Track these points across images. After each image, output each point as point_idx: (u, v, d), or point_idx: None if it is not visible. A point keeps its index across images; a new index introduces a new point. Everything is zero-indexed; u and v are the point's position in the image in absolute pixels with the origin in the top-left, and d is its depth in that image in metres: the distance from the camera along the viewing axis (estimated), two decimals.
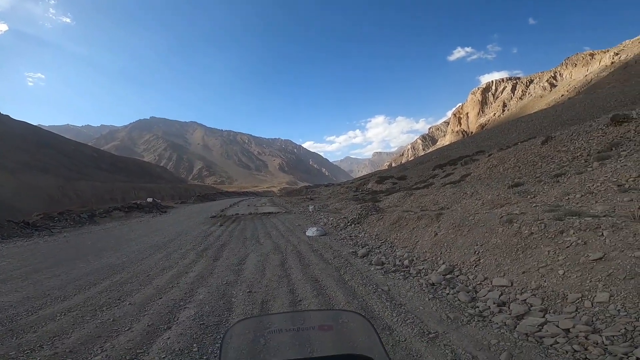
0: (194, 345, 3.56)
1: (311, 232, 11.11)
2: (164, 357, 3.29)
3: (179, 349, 3.47)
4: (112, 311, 4.68)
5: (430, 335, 3.43)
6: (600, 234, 4.21)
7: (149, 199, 36.08)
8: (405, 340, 3.40)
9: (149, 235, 13.16)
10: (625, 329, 2.86)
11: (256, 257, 7.99)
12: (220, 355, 0.80)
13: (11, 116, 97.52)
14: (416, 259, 6.66)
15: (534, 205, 6.96)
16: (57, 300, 5.20)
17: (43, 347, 3.52)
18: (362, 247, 8.25)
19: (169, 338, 3.77)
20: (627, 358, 2.61)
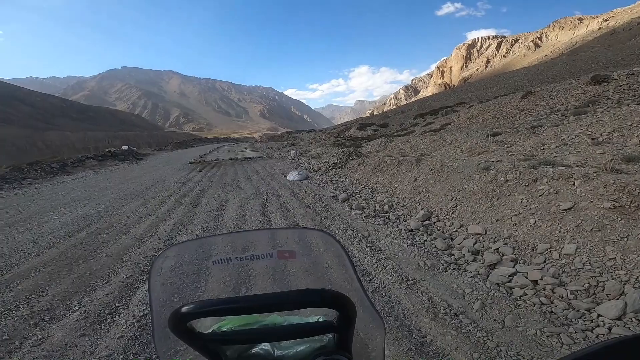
0: (175, 296, 3.56)
1: (292, 176, 11.09)
2: (143, 310, 3.28)
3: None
4: (89, 264, 4.60)
5: (409, 282, 3.53)
6: (572, 183, 4.26)
7: (124, 147, 34.85)
8: (384, 287, 3.50)
9: (125, 183, 12.83)
10: (589, 283, 2.96)
11: (237, 203, 7.96)
12: (149, 292, 0.65)
13: None
14: (396, 204, 6.76)
15: (510, 154, 7.05)
16: (31, 255, 5.05)
17: (19, 307, 3.43)
18: (343, 192, 8.29)
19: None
20: (589, 314, 2.70)
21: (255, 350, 0.67)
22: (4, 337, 2.86)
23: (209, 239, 0.74)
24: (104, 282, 4.00)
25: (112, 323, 3.08)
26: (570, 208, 3.89)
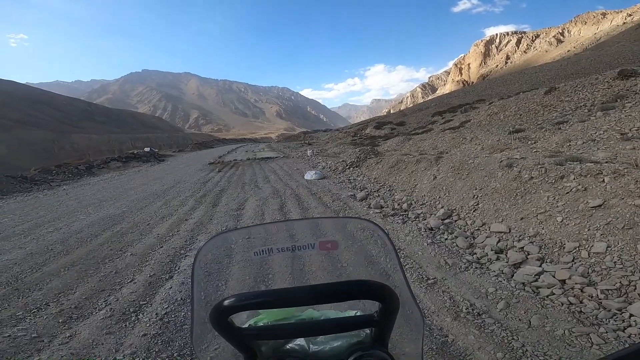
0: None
1: (310, 175, 11.12)
2: (166, 308, 3.34)
3: (181, 299, 3.52)
4: (115, 263, 4.73)
5: (429, 282, 3.47)
6: (601, 180, 4.08)
7: (146, 149, 35.77)
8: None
9: (148, 184, 13.18)
10: (620, 282, 2.83)
11: (255, 202, 8.04)
12: (192, 285, 0.65)
13: None
14: (415, 202, 6.67)
15: (535, 150, 6.85)
16: (60, 254, 5.24)
17: (49, 305, 3.55)
18: (361, 191, 8.25)
19: (170, 288, 3.83)
20: (621, 314, 2.59)
21: (290, 345, 0.66)
22: (33, 335, 2.95)
23: (250, 229, 0.73)
24: (129, 281, 4.11)
25: (137, 321, 3.15)
26: (599, 205, 3.73)
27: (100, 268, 4.58)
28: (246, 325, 0.66)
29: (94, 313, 3.35)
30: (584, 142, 6.70)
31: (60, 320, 3.22)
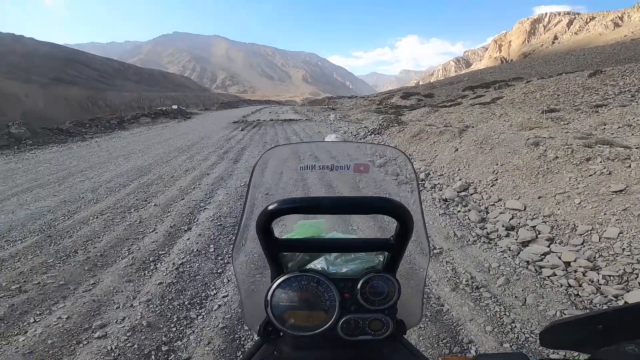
0: (211, 246, 3.84)
1: (330, 139, 11.12)
2: (182, 258, 3.54)
3: (197, 250, 3.73)
4: (139, 213, 5.01)
5: (435, 251, 3.51)
6: (628, 165, 3.90)
7: (174, 106, 36.42)
8: (409, 254, 3.50)
9: (174, 139, 13.62)
10: (624, 270, 2.77)
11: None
12: (248, 189, 0.75)
13: (35, 38, 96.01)
14: (433, 172, 6.61)
15: (566, 131, 6.56)
16: (90, 203, 5.57)
17: (77, 253, 3.76)
18: (380, 158, 8.21)
19: (188, 239, 4.04)
20: (617, 301, 2.56)
21: (312, 265, 0.73)
22: (60, 283, 3.11)
23: (300, 145, 0.83)
24: (150, 230, 4.36)
25: (155, 270, 3.35)
26: (621, 190, 3.59)
27: (126, 217, 4.86)
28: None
29: (117, 261, 3.56)
30: (619, 127, 6.37)
31: (86, 268, 3.40)
